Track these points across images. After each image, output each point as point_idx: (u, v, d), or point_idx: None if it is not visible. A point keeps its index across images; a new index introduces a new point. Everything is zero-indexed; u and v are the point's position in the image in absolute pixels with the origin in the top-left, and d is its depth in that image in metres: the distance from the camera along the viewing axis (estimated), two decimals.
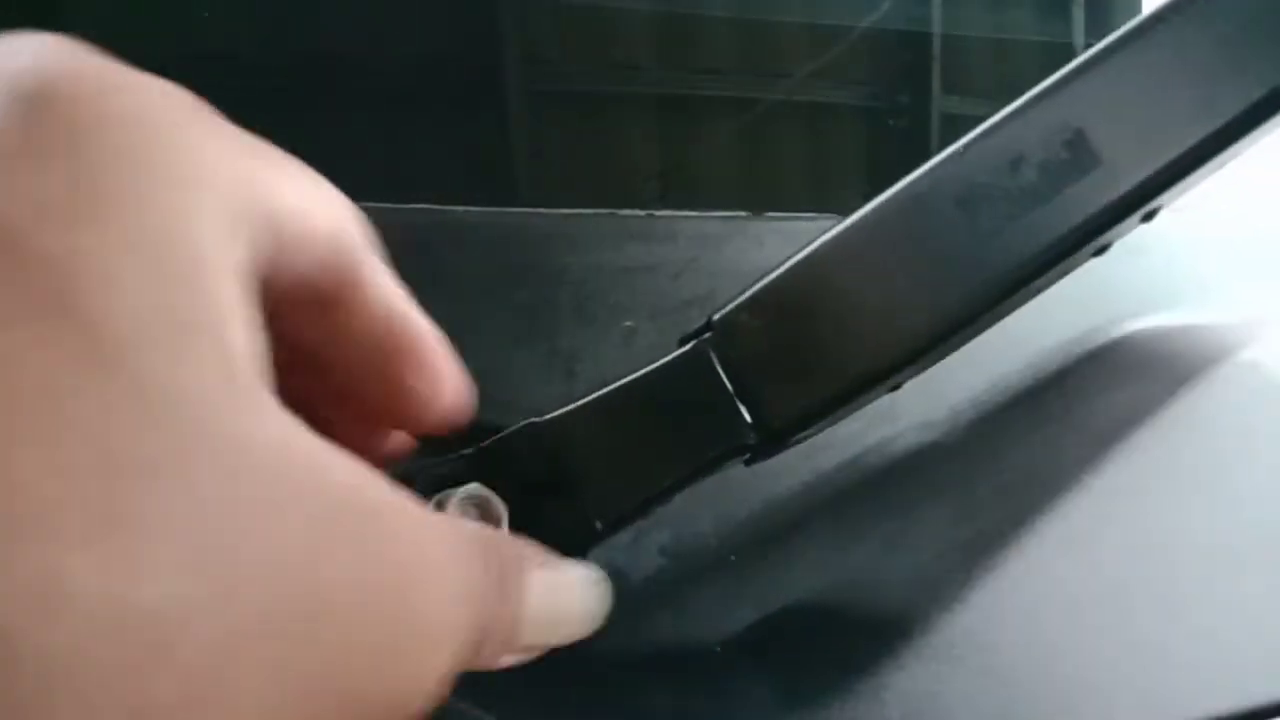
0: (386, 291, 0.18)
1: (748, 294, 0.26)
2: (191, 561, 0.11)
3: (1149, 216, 0.27)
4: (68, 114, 0.12)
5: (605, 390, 0.25)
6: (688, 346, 0.26)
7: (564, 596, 0.20)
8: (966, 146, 0.26)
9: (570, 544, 0.22)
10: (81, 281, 0.12)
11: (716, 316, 0.26)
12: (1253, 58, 0.25)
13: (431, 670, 0.14)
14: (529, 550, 0.19)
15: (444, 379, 0.19)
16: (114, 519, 0.11)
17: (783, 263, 0.26)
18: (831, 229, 0.26)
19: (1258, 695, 0.25)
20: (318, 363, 0.18)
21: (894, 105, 0.50)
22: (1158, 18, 0.26)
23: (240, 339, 0.13)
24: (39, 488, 0.11)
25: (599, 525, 0.24)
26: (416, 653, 0.14)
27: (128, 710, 0.11)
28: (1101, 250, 0.27)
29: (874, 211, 0.26)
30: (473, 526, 0.18)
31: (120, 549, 0.11)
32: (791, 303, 0.25)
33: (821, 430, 0.27)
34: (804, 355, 0.25)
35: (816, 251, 0.26)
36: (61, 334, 0.11)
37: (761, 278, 0.26)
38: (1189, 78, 0.26)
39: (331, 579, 0.13)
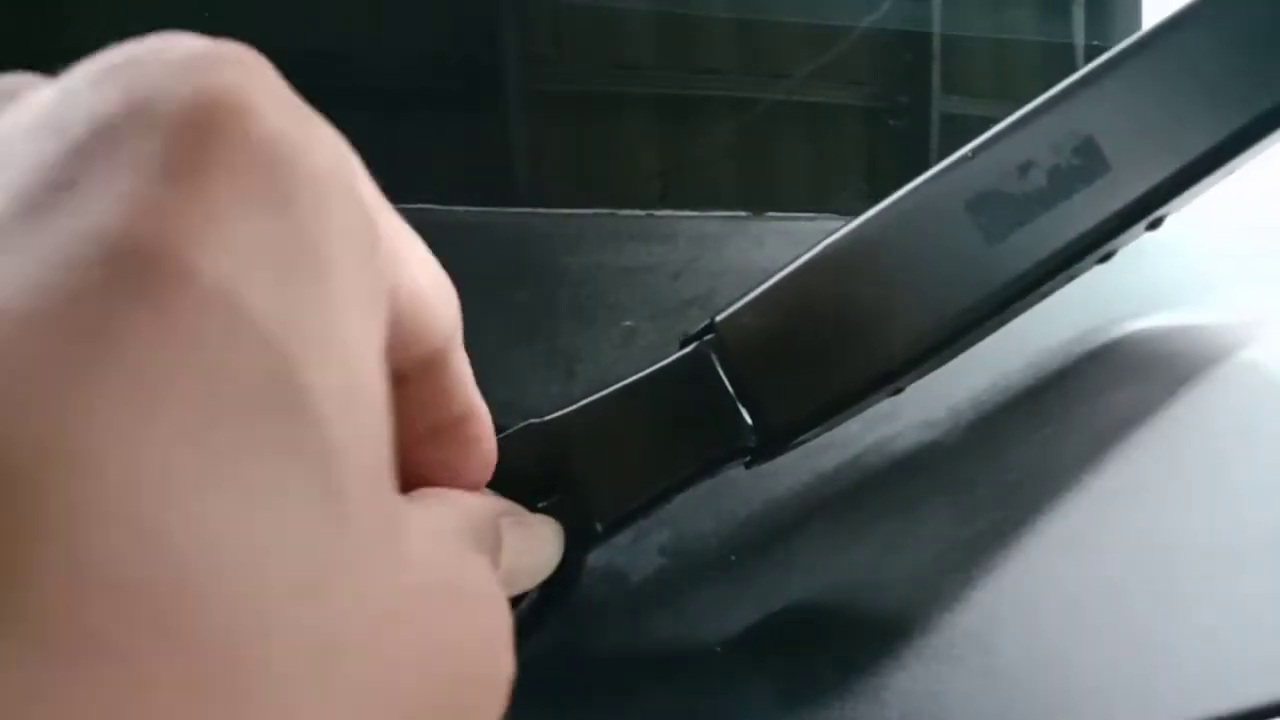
0: (465, 378, 0.18)
1: (751, 296, 0.26)
2: (371, 679, 0.11)
3: (1155, 224, 0.27)
4: (268, 157, 0.11)
5: (606, 391, 0.25)
6: (689, 348, 0.26)
7: (529, 554, 0.21)
8: (975, 151, 0.26)
9: (570, 545, 0.23)
10: (300, 359, 0.11)
11: (719, 318, 0.26)
12: (1262, 68, 0.25)
13: (502, 711, 0.15)
14: (501, 507, 0.19)
15: (488, 471, 0.19)
16: (323, 642, 0.10)
17: (786, 265, 0.26)
18: (836, 232, 0.26)
19: (1258, 695, 0.25)
20: None
21: (894, 105, 0.50)
22: (1168, 26, 0.26)
23: (386, 426, 0.13)
24: (268, 609, 0.10)
25: (599, 527, 0.24)
26: (501, 704, 0.14)
27: None
28: (1107, 257, 0.27)
29: (878, 215, 0.26)
30: (458, 506, 0.18)
31: (328, 671, 0.11)
32: (795, 305, 0.25)
33: (822, 433, 0.27)
34: (806, 358, 0.25)
35: (820, 254, 0.26)
36: (285, 430, 0.10)
37: (765, 279, 0.26)
38: (1198, 87, 0.26)
39: (454, 669, 0.13)
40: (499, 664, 0.14)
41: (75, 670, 0.09)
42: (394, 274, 0.14)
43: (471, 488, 0.19)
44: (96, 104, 0.11)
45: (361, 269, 0.12)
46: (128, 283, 0.10)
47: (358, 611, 0.11)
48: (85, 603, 0.09)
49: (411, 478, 0.19)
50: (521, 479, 0.22)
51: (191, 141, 0.11)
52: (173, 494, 0.09)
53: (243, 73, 0.11)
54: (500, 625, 0.15)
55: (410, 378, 0.16)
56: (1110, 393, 0.36)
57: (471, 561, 0.15)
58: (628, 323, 0.33)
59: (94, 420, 0.09)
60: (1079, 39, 0.56)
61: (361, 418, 0.11)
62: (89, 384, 0.09)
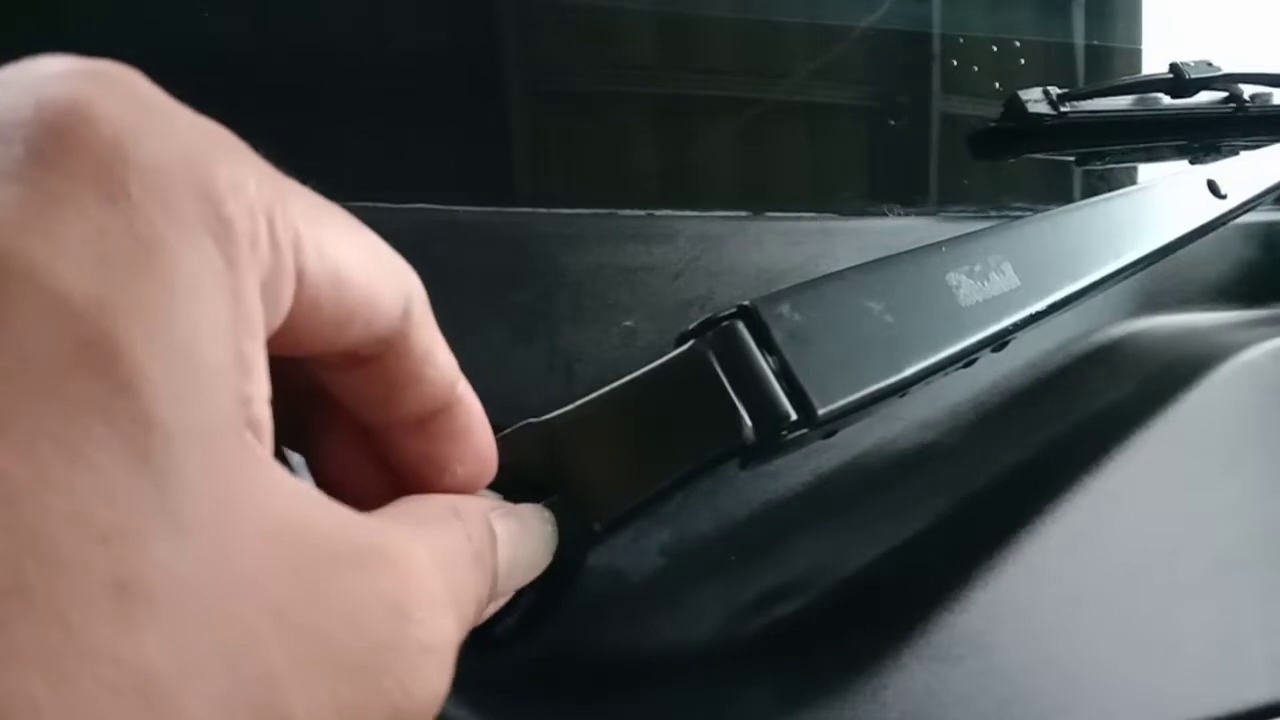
0: (440, 364, 0.18)
1: (790, 287, 0.26)
2: (193, 622, 0.12)
3: (1000, 347, 0.32)
4: (102, 154, 0.12)
5: (603, 390, 0.25)
6: (685, 346, 0.26)
7: (526, 543, 0.20)
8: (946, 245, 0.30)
9: (569, 545, 0.22)
10: (118, 331, 0.12)
11: (752, 301, 0.26)
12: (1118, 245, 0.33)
13: (438, 680, 0.15)
14: (490, 504, 0.19)
15: (488, 464, 0.19)
16: (122, 584, 0.11)
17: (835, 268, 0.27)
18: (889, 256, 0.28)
19: (1258, 695, 0.25)
20: (364, 429, 0.18)
21: (894, 105, 0.50)
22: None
23: (255, 406, 0.13)
24: (58, 548, 0.11)
25: (598, 526, 0.24)
26: (422, 670, 0.14)
27: None
28: (1000, 347, 0.31)
29: (892, 258, 0.28)
30: (442, 503, 0.18)
31: (128, 612, 0.11)
32: (833, 304, 0.26)
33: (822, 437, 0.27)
34: (848, 349, 0.26)
35: (849, 271, 0.27)
36: (95, 392, 0.11)
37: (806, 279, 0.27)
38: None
39: (327, 624, 0.13)
40: (410, 629, 0.14)
41: None
42: (297, 258, 0.14)
43: (470, 485, 0.19)
44: None
45: (208, 254, 0.13)
46: None
47: (177, 564, 0.12)
48: None
49: (407, 474, 0.19)
50: (520, 479, 0.22)
51: (30, 146, 0.12)
52: None
53: (92, 85, 0.13)
54: (408, 590, 0.14)
55: (369, 359, 0.17)
56: (1110, 393, 0.36)
57: (376, 530, 0.15)
58: (628, 323, 0.33)
59: None
60: (1079, 39, 0.56)
61: (192, 390, 0.12)
62: None
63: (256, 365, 0.13)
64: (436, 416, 0.18)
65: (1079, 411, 0.35)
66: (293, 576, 0.13)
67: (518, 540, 0.20)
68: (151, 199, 0.12)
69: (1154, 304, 0.41)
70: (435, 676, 0.15)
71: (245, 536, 0.12)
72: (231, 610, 0.12)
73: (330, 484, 0.18)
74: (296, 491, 0.14)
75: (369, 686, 0.13)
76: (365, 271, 0.16)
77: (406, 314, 0.16)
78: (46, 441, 0.11)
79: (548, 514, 0.22)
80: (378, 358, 0.17)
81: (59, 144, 0.12)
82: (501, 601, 0.20)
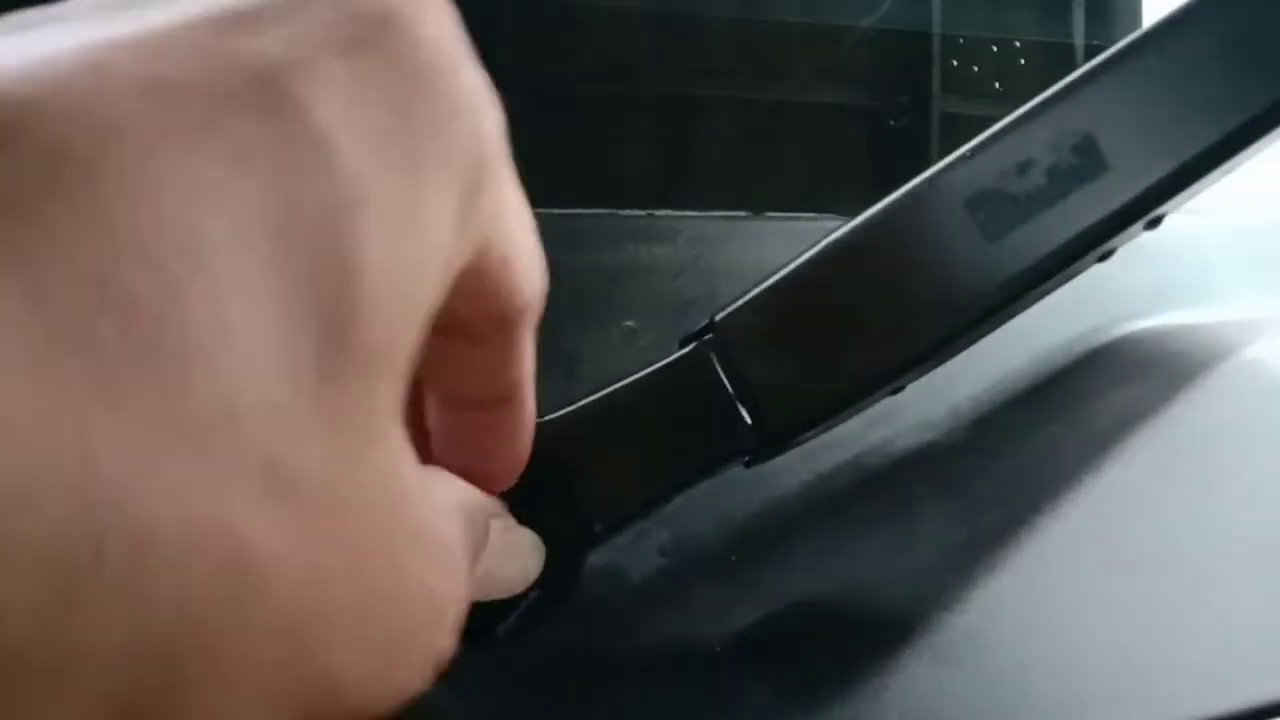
0: (526, 361, 0.18)
1: (750, 294, 0.26)
2: (312, 532, 0.11)
3: (1154, 224, 0.27)
4: (416, 68, 0.12)
5: (605, 391, 0.25)
6: (688, 348, 0.26)
7: (507, 564, 0.20)
8: (973, 150, 0.26)
9: (569, 545, 0.23)
10: (363, 225, 0.11)
11: (718, 317, 0.26)
12: (1260, 66, 0.25)
13: (424, 685, 0.15)
14: (493, 508, 0.19)
15: (517, 468, 0.20)
16: (273, 467, 0.11)
17: (786, 264, 0.26)
18: (836, 230, 0.26)
19: (1258, 695, 0.25)
20: (421, 393, 0.18)
21: (894, 105, 0.50)
22: (1167, 24, 0.26)
23: (406, 372, 0.13)
24: (239, 414, 0.10)
25: (598, 527, 0.24)
26: (426, 674, 0.14)
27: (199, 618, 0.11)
28: (1106, 255, 0.27)
29: (878, 214, 0.26)
30: (460, 494, 0.18)
31: (265, 496, 0.11)
32: (794, 304, 0.26)
33: (823, 432, 0.27)
34: (806, 357, 0.25)
35: (820, 253, 0.26)
36: (318, 273, 0.11)
37: (764, 278, 0.26)
38: (1197, 85, 0.26)
39: (391, 597, 0.13)
40: (431, 628, 0.14)
41: (57, 351, 0.09)
42: (491, 228, 0.14)
43: (493, 482, 0.19)
44: None
45: (453, 199, 0.13)
46: (252, 92, 0.11)
47: (318, 470, 0.11)
48: (70, 289, 0.09)
49: (437, 445, 0.19)
50: (521, 478, 0.22)
51: (359, 31, 0.12)
52: (185, 240, 0.10)
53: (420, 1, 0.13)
54: (445, 594, 0.14)
55: (478, 337, 0.17)
56: (1110, 393, 0.36)
57: (447, 525, 0.15)
58: (628, 323, 0.33)
59: (156, 146, 0.10)
60: (1079, 39, 0.56)
61: (394, 319, 0.12)
62: (172, 136, 0.10)
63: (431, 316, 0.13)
64: (500, 407, 0.18)
65: (1079, 411, 0.35)
66: (387, 538, 0.13)
67: (499, 557, 0.19)
68: (439, 127, 0.13)
69: (1153, 304, 0.41)
70: (427, 680, 0.14)
71: (371, 477, 0.12)
72: (338, 540, 0.12)
73: None
74: (415, 458, 0.14)
75: (392, 671, 0.13)
76: (526, 259, 0.16)
77: (531, 307, 0.17)
78: (269, 304, 0.11)
79: (536, 539, 0.22)
80: (489, 338, 0.17)
81: (382, 40, 0.12)
82: None
